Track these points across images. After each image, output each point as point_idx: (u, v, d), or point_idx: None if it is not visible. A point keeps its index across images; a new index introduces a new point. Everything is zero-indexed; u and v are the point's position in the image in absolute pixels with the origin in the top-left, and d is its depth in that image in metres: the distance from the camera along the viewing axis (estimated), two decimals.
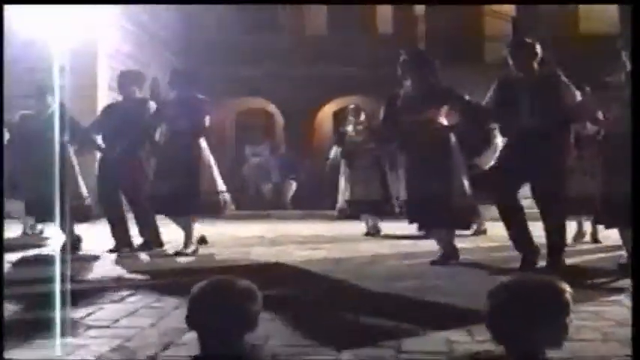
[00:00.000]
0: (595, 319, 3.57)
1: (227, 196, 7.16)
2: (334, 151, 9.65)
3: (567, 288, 2.03)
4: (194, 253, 6.97)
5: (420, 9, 19.01)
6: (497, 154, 6.27)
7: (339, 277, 5.33)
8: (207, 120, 7.14)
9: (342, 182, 9.27)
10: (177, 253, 6.88)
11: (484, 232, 8.58)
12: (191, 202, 6.87)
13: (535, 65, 5.80)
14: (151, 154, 7.38)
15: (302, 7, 19.73)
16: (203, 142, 7.13)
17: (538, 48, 5.81)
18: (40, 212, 7.49)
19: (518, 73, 5.78)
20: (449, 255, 6.06)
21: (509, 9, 18.98)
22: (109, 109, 7.73)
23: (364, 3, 18.96)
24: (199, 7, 17.71)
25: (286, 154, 16.50)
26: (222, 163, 17.36)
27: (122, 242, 7.38)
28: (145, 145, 7.36)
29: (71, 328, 3.57)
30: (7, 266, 6.18)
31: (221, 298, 2.31)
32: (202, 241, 7.44)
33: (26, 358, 2.94)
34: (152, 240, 7.38)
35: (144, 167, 7.34)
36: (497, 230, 7.27)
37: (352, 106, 9.71)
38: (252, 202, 14.77)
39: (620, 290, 4.45)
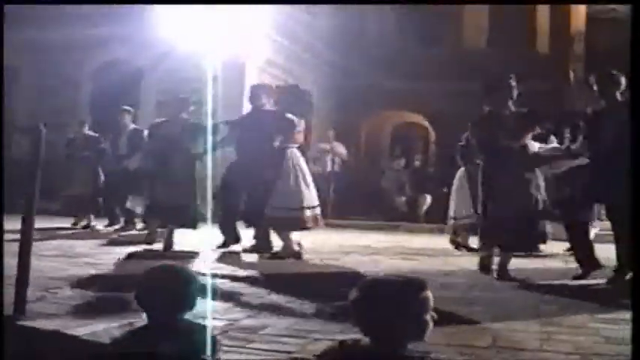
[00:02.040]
0: None
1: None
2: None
3: (427, 286, 2.23)
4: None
5: (579, 27, 18.43)
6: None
7: None
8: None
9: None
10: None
11: None
12: None
13: (618, 96, 5.87)
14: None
15: (462, 21, 19.72)
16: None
17: (622, 79, 5.85)
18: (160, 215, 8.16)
19: (602, 102, 5.92)
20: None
21: None
22: (240, 119, 8.42)
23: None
24: (356, 20, 18.13)
25: (422, 168, 16.62)
26: (373, 174, 17.83)
27: (231, 239, 7.99)
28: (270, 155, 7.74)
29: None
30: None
31: (162, 281, 2.74)
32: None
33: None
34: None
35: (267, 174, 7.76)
36: None
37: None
38: (386, 214, 15.11)
39: None
